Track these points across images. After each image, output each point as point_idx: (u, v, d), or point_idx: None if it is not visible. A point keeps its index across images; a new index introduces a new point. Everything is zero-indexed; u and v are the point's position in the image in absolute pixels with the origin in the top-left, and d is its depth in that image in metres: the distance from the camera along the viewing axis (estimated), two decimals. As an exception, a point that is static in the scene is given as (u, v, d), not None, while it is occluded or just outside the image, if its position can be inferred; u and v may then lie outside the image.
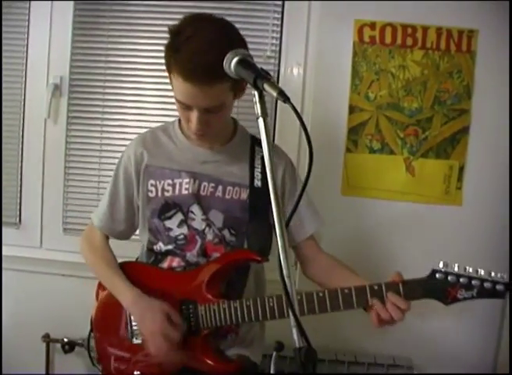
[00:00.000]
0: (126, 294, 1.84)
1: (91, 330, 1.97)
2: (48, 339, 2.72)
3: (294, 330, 1.19)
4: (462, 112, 2.55)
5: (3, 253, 2.77)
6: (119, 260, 2.00)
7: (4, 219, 2.82)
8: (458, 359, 2.61)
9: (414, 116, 2.56)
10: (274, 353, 1.41)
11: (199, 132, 1.79)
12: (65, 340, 2.68)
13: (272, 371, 1.43)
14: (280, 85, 2.57)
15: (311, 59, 2.60)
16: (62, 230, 2.79)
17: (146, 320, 1.79)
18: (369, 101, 2.57)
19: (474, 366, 2.61)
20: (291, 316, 1.19)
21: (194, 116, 1.72)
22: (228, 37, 1.66)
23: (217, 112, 1.72)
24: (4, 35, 2.74)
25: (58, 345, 2.72)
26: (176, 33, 1.67)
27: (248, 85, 1.31)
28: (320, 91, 2.60)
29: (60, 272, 2.75)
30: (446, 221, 2.57)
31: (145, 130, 2.08)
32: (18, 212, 2.83)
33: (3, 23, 2.72)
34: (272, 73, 2.60)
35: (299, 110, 2.56)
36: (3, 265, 2.76)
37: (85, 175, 2.77)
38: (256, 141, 1.94)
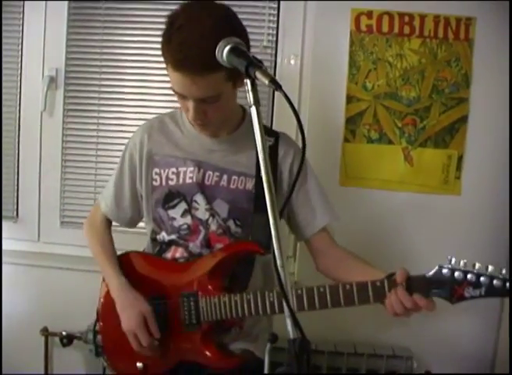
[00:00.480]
0: (113, 282, 1.85)
1: (97, 320, 1.96)
2: (46, 332, 2.71)
3: (288, 321, 1.17)
4: (460, 100, 2.53)
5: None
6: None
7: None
8: (458, 349, 2.61)
9: (412, 106, 2.54)
10: (268, 344, 1.38)
11: (197, 122, 1.76)
12: (64, 333, 2.68)
13: (266, 362, 1.41)
14: (277, 75, 2.61)
15: (307, 49, 2.58)
16: (59, 224, 2.79)
17: (124, 314, 1.79)
18: (367, 90, 2.55)
19: (474, 355, 2.60)
20: (285, 307, 1.17)
21: (191, 106, 1.69)
22: (223, 26, 1.59)
23: (213, 102, 1.68)
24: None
25: (57, 339, 2.71)
26: (169, 21, 1.64)
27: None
28: (317, 81, 2.58)
29: (58, 265, 2.74)
30: (444, 211, 2.55)
31: (142, 121, 2.05)
32: (15, 206, 2.83)
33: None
34: (268, 64, 2.60)
35: (296, 101, 2.59)
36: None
37: (82, 167, 2.76)
38: (266, 130, 1.89)
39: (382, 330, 2.62)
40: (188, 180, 1.84)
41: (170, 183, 1.86)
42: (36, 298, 2.76)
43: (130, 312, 1.77)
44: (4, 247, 2.75)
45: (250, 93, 1.25)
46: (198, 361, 1.79)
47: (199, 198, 1.84)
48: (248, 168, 1.84)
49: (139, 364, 1.82)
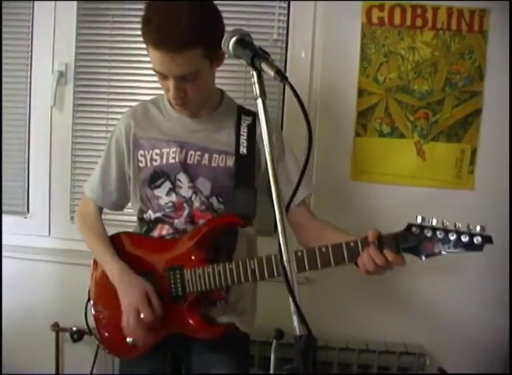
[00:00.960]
0: (113, 268, 1.91)
1: (88, 300, 2.05)
2: (57, 328, 2.72)
3: (294, 318, 1.15)
4: (474, 94, 2.50)
5: (11, 242, 2.77)
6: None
7: (12, 208, 2.83)
8: (471, 346, 2.58)
9: (424, 99, 2.51)
10: (274, 341, 1.36)
11: (178, 101, 1.83)
12: (74, 329, 2.68)
13: (272, 359, 1.40)
14: (288, 68, 2.58)
15: (318, 42, 2.56)
16: (69, 219, 2.78)
17: (128, 295, 1.85)
18: (378, 84, 2.52)
19: (488, 352, 2.57)
20: (291, 303, 1.16)
21: (171, 84, 1.77)
22: (198, 7, 1.72)
23: (193, 79, 1.76)
24: (9, 23, 2.74)
25: (67, 334, 2.72)
26: (147, 7, 1.77)
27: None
28: (328, 75, 2.55)
29: (68, 261, 2.74)
30: (457, 206, 2.51)
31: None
32: (26, 201, 2.83)
33: (7, 10, 2.71)
34: (279, 57, 2.58)
35: (306, 94, 2.56)
36: (12, 254, 2.77)
37: (92, 163, 2.74)
38: (243, 111, 1.99)
39: (395, 327, 2.59)
40: (171, 160, 1.91)
41: (155, 163, 1.94)
42: (46, 294, 2.77)
43: (134, 292, 1.83)
44: (14, 242, 2.77)
45: (257, 85, 1.25)
46: (185, 332, 1.86)
47: (182, 177, 1.91)
48: (228, 146, 1.92)
49: (129, 339, 1.88)
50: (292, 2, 2.56)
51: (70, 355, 2.78)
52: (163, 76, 1.78)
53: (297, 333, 1.15)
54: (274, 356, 1.33)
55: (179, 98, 1.81)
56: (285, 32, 2.58)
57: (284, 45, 2.58)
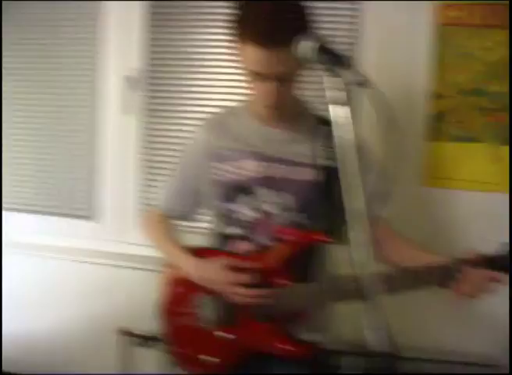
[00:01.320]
0: (188, 261, 1.86)
1: (160, 311, 1.98)
2: (123, 333, 2.73)
3: (372, 332, 1.11)
4: (552, 96, 2.41)
5: (76, 246, 2.84)
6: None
7: (76, 212, 2.93)
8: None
9: (500, 102, 2.42)
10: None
11: (271, 103, 1.74)
12: (140, 334, 2.68)
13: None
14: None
15: (387, 42, 2.49)
16: (134, 224, 2.80)
17: (211, 280, 1.79)
18: (451, 86, 2.45)
19: None
20: (372, 318, 1.11)
21: (267, 85, 1.68)
22: (297, 4, 1.66)
23: (289, 80, 1.70)
24: (79, 22, 2.81)
25: (133, 339, 2.73)
26: (241, 6, 1.68)
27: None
28: (398, 77, 2.50)
29: (137, 266, 2.76)
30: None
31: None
32: (91, 206, 2.89)
33: (78, 10, 2.80)
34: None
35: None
36: (79, 258, 2.83)
37: (159, 168, 2.76)
38: (321, 120, 1.89)
39: (474, 337, 2.52)
40: (252, 173, 1.84)
41: (234, 177, 1.87)
42: (112, 299, 2.81)
43: (213, 272, 1.78)
44: (79, 246, 2.84)
45: (339, 92, 1.20)
46: (269, 351, 1.78)
47: (264, 191, 1.83)
48: (309, 158, 1.84)
49: (203, 357, 1.84)
50: (361, 3, 2.52)
51: (136, 360, 2.79)
52: (259, 77, 1.69)
53: (379, 349, 1.11)
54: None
55: (274, 101, 1.73)
56: (354, 34, 2.53)
57: (352, 47, 2.53)
